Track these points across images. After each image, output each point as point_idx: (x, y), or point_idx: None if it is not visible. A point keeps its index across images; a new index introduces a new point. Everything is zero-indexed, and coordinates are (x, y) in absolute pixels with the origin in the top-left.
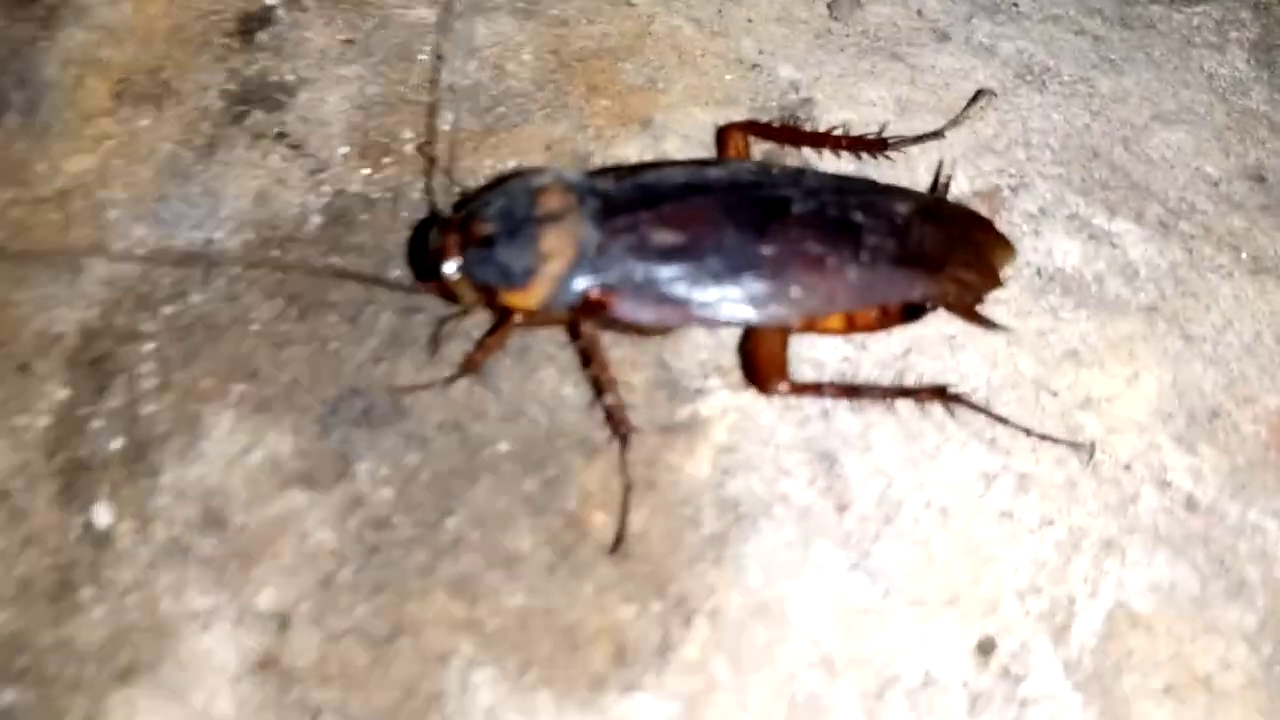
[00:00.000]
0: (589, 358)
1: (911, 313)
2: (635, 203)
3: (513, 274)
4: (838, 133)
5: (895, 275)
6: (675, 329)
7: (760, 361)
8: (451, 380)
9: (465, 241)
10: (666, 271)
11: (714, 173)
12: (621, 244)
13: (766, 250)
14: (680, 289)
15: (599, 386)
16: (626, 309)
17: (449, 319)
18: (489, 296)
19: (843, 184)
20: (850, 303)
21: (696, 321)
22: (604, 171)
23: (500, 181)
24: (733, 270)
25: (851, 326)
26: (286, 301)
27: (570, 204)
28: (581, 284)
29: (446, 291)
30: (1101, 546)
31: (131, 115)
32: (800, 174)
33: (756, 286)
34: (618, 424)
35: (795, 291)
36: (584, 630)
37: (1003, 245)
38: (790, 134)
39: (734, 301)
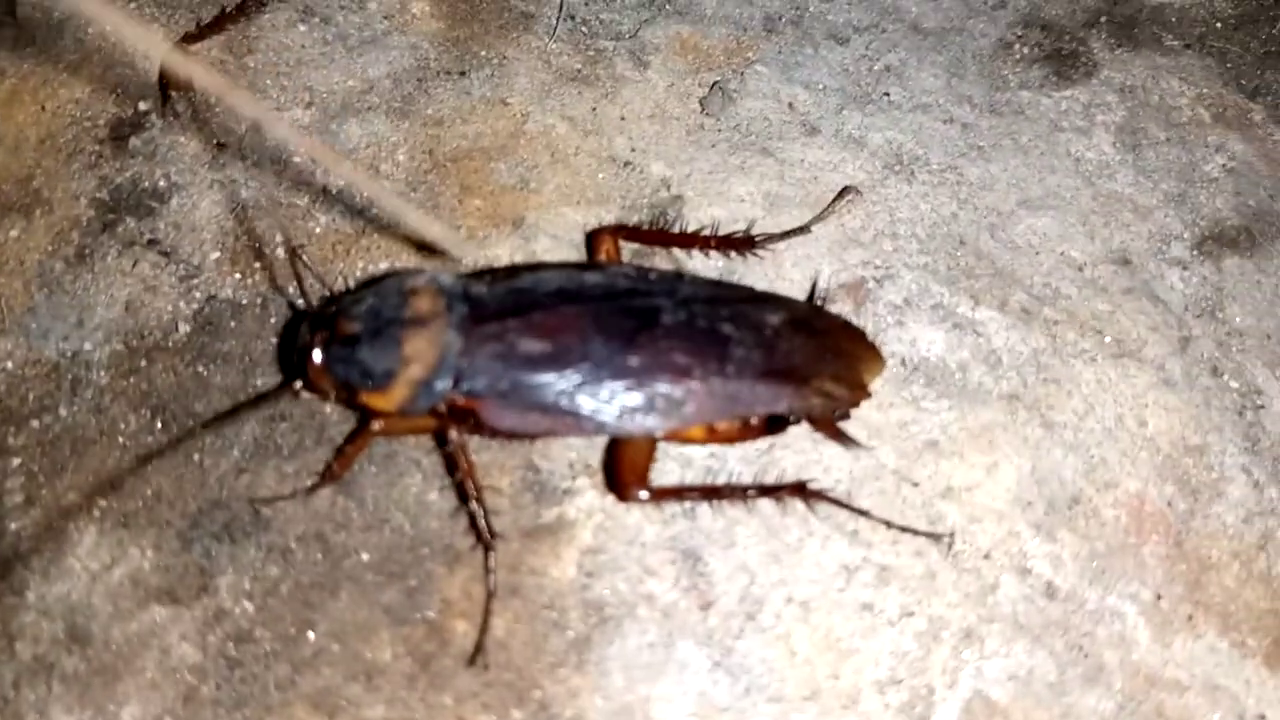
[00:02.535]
0: (454, 464)
1: (775, 424)
2: (506, 310)
3: (373, 374)
4: (706, 233)
5: (760, 388)
6: (542, 436)
7: (622, 469)
8: (313, 490)
9: (330, 338)
10: (533, 379)
11: (590, 278)
12: (489, 351)
13: (634, 360)
14: (547, 397)
15: (463, 493)
16: (493, 415)
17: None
18: (349, 396)
19: (717, 292)
20: (714, 414)
21: (562, 430)
22: (481, 274)
23: (377, 280)
24: (600, 380)
25: (715, 437)
26: (152, 413)
27: (439, 308)
28: (442, 388)
29: (312, 389)
30: (961, 636)
31: (1, 226)
32: (677, 280)
33: (623, 397)
34: (481, 532)
35: (660, 402)
36: None
37: (872, 357)
38: (659, 236)
39: (600, 411)
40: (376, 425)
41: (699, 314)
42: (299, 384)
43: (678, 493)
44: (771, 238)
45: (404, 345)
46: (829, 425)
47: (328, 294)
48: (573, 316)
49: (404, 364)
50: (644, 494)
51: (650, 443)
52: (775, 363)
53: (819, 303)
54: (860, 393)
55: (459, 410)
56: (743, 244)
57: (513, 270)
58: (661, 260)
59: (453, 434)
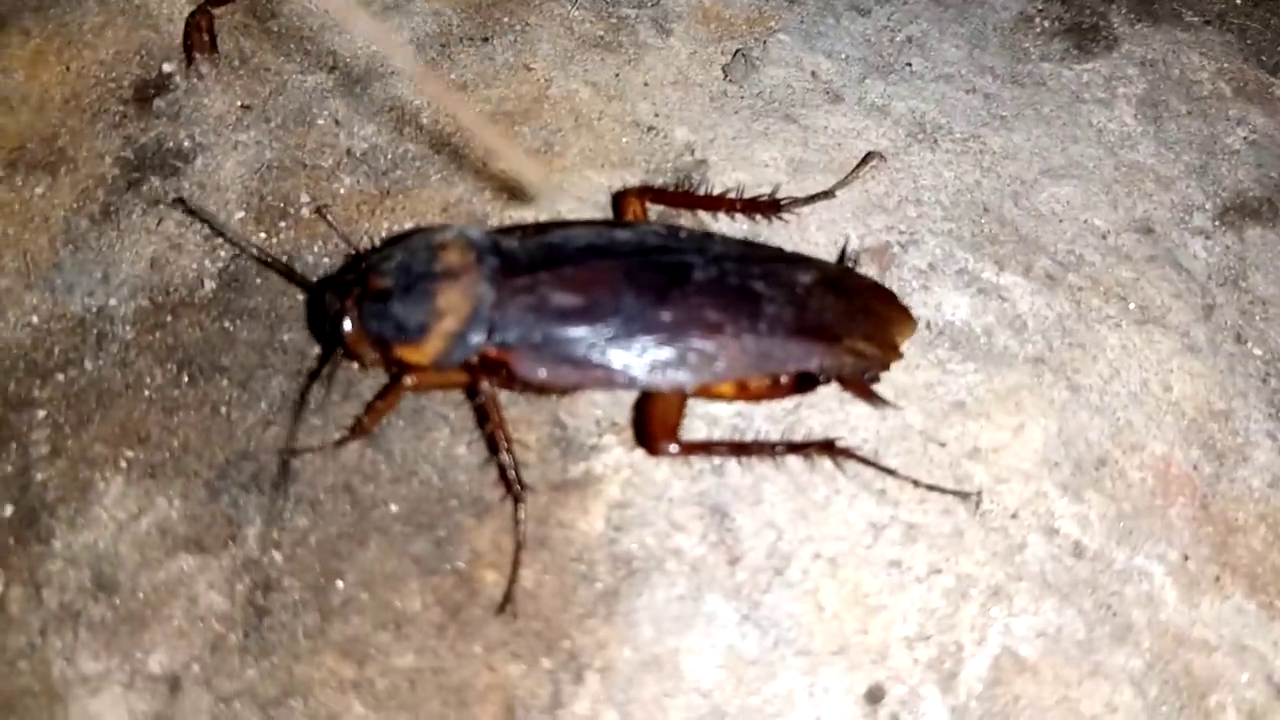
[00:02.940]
0: (485, 415)
1: (805, 382)
2: (537, 263)
3: (407, 329)
4: (731, 195)
5: (792, 345)
6: (573, 390)
7: (652, 423)
8: (342, 444)
9: (362, 294)
10: (565, 332)
11: (621, 235)
12: (521, 303)
13: (665, 316)
14: (579, 350)
15: (493, 445)
16: (525, 368)
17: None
18: (384, 351)
19: (747, 251)
20: (745, 370)
21: (593, 383)
22: (510, 230)
23: (402, 237)
24: (631, 334)
25: (745, 394)
26: (178, 367)
27: (469, 261)
28: (476, 341)
29: (350, 353)
30: (989, 594)
31: (26, 183)
32: (707, 239)
33: (654, 351)
34: (510, 483)
35: (692, 358)
36: (473, 689)
37: (903, 318)
38: (685, 198)
39: (632, 365)
40: (409, 380)
41: (730, 271)
42: (340, 351)
43: (706, 447)
44: (797, 201)
45: (437, 298)
46: (859, 385)
47: (353, 253)
48: (604, 271)
49: (438, 316)
50: (673, 448)
51: (681, 398)
52: (807, 320)
53: (849, 264)
54: (892, 353)
55: (491, 362)
56: (768, 207)
57: (542, 227)
58: (687, 222)
59: (484, 385)
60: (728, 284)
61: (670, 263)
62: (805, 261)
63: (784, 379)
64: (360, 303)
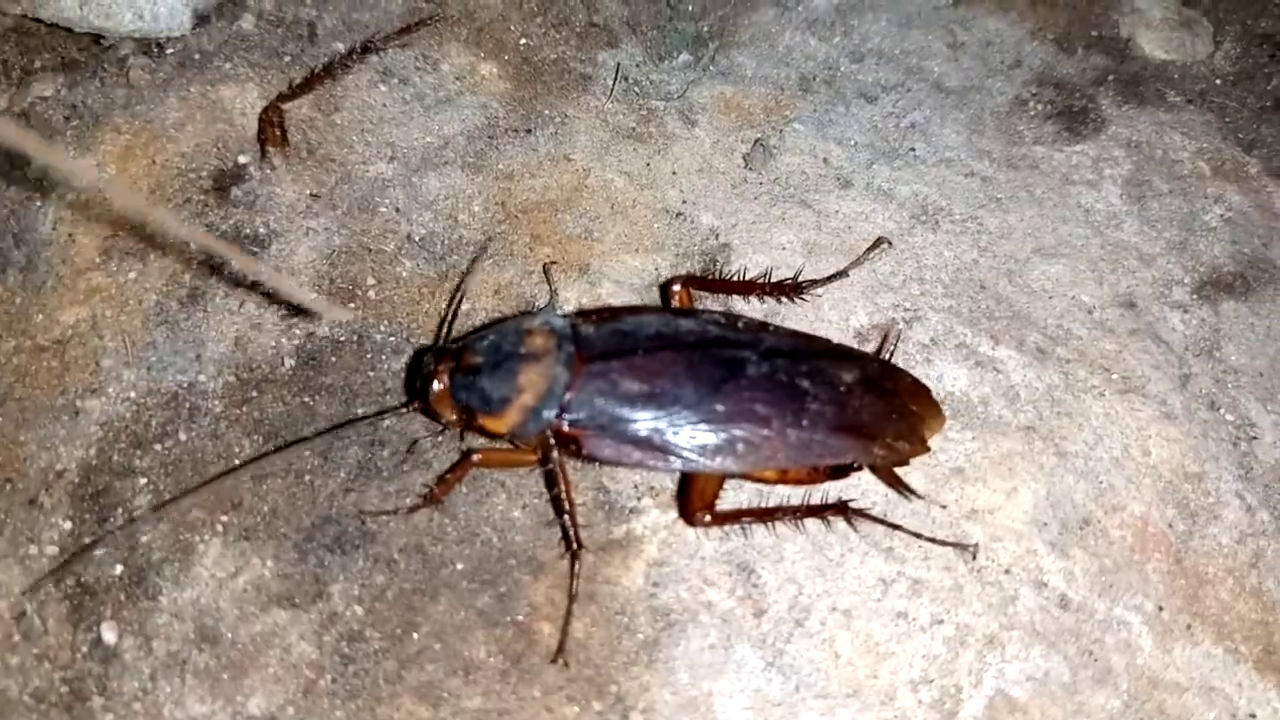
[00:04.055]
0: (553, 481)
1: (839, 471)
2: (610, 351)
3: (490, 401)
4: (761, 280)
5: (831, 441)
6: (634, 467)
7: (693, 497)
8: (414, 510)
9: (455, 368)
10: (631, 415)
11: (685, 324)
12: (593, 387)
13: (719, 407)
14: (641, 432)
15: (559, 507)
16: (593, 445)
17: (425, 437)
18: (468, 418)
19: (797, 344)
20: (787, 461)
21: (651, 463)
22: (589, 313)
23: (499, 321)
24: (690, 422)
25: (784, 479)
26: (264, 438)
27: (550, 346)
28: (548, 416)
29: (430, 412)
30: (985, 642)
31: (120, 268)
32: (762, 330)
33: (708, 438)
34: (570, 541)
35: (739, 447)
36: None
37: (934, 414)
38: (721, 285)
39: (686, 450)
40: (476, 458)
41: (780, 368)
42: (417, 404)
43: (736, 516)
44: (815, 283)
45: (519, 376)
46: (888, 474)
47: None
48: (669, 362)
49: (518, 393)
50: (707, 518)
51: (721, 477)
52: (846, 419)
53: (886, 356)
54: (920, 448)
55: (563, 437)
56: (791, 290)
57: (615, 312)
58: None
59: (554, 455)
60: (777, 380)
61: (727, 357)
62: (850, 358)
63: (821, 468)
64: (453, 375)
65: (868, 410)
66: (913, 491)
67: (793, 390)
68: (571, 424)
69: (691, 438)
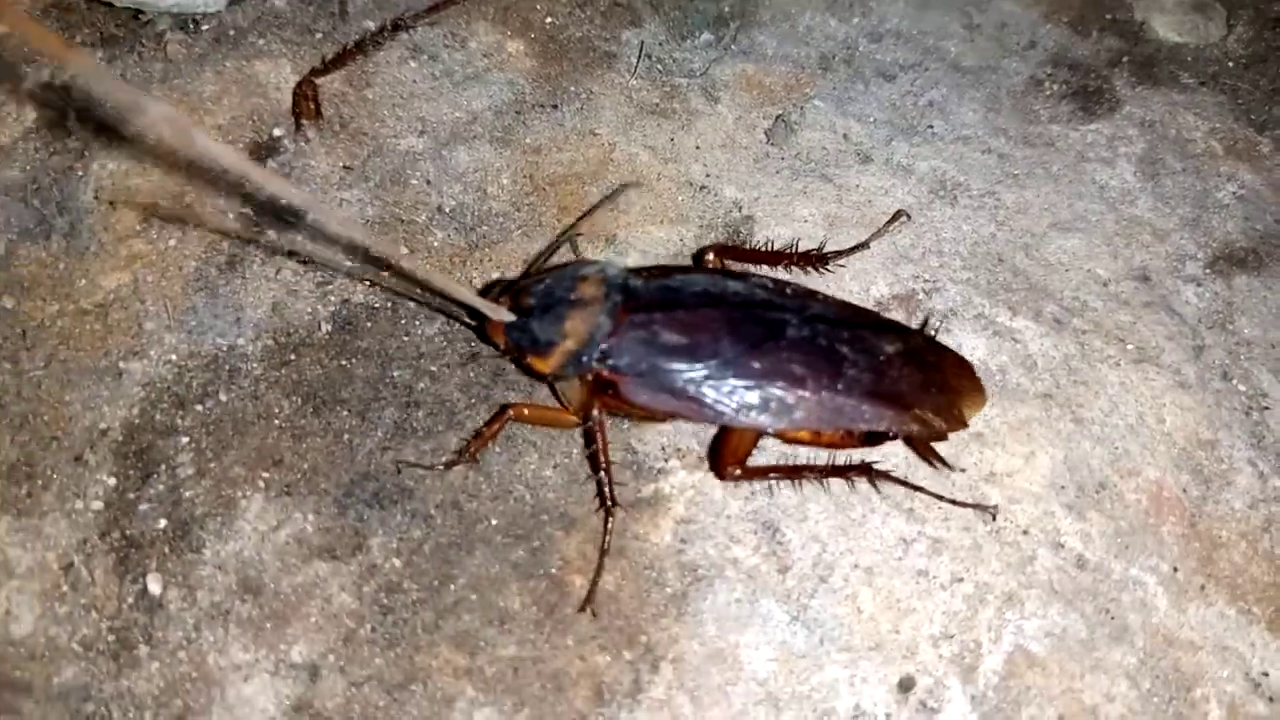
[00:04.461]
0: (592, 438)
1: (873, 438)
2: (655, 303)
3: (538, 343)
4: (789, 250)
5: (865, 407)
6: (669, 417)
7: (725, 451)
8: (450, 465)
9: (512, 309)
10: (669, 365)
11: (734, 285)
12: (635, 336)
13: (756, 364)
14: (678, 382)
15: (595, 464)
16: (630, 391)
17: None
18: (517, 354)
19: (843, 314)
20: (820, 423)
21: (686, 414)
22: (641, 270)
23: (562, 266)
24: (725, 376)
25: (818, 441)
26: (303, 399)
27: (599, 294)
28: (587, 361)
29: (485, 337)
30: (1004, 599)
31: (160, 236)
32: (810, 297)
33: (743, 394)
34: (605, 498)
35: (774, 405)
36: (568, 675)
37: (975, 393)
38: (750, 254)
39: (721, 402)
40: (512, 412)
41: (821, 332)
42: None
43: (764, 472)
44: (840, 254)
45: (565, 322)
46: (923, 445)
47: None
48: (710, 319)
49: (563, 337)
50: (738, 472)
51: (755, 435)
52: (883, 386)
53: (931, 333)
54: (957, 425)
55: (602, 381)
56: (817, 261)
57: (668, 270)
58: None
59: (595, 413)
60: (817, 344)
61: (770, 319)
62: (895, 330)
63: (855, 432)
64: (518, 310)
65: (906, 381)
66: (946, 464)
67: (831, 355)
68: (611, 369)
69: (727, 391)
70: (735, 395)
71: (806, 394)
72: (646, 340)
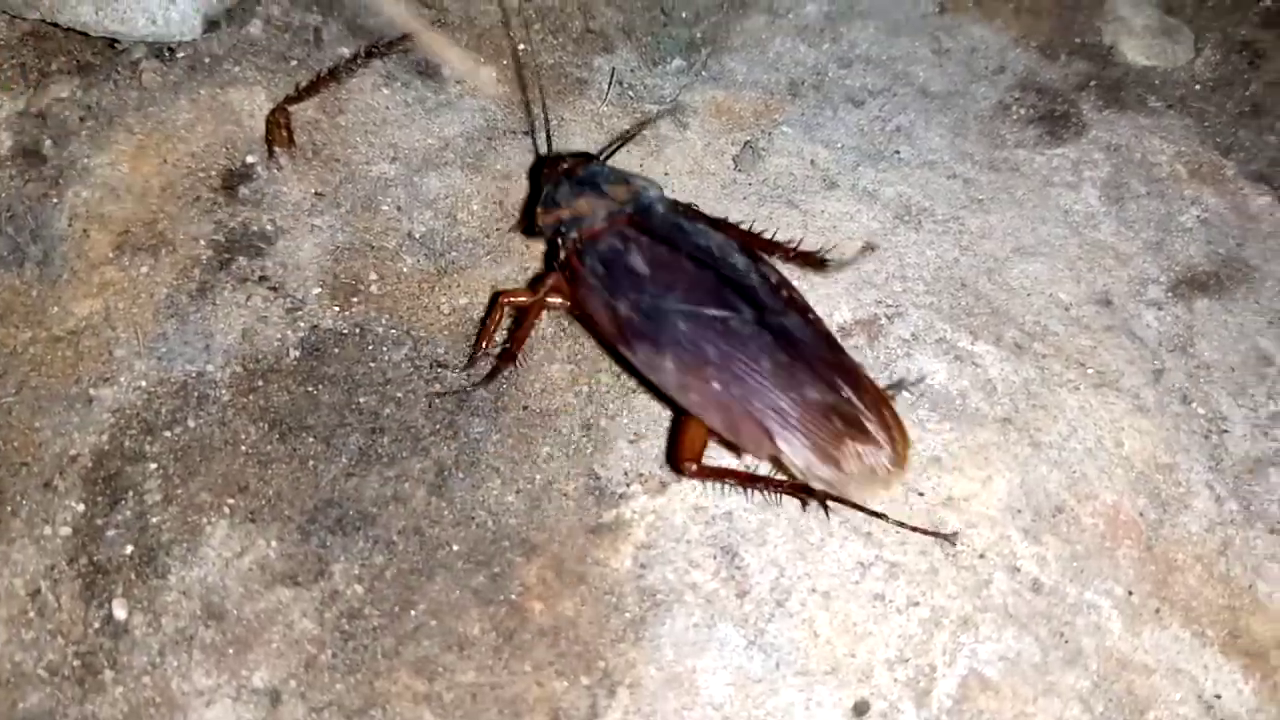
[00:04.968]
0: (524, 317)
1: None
2: (653, 230)
3: (547, 199)
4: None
5: (751, 422)
6: (609, 338)
7: (682, 446)
8: (491, 377)
9: (563, 169)
10: (623, 281)
11: (734, 260)
12: (608, 244)
13: (684, 327)
14: (625, 299)
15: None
16: (584, 287)
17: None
18: (531, 204)
19: (812, 343)
20: (710, 418)
21: (621, 343)
22: (680, 205)
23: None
24: (665, 314)
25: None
26: (270, 425)
27: (621, 198)
28: (566, 233)
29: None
30: (959, 623)
31: (132, 263)
32: (801, 314)
33: (658, 346)
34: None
35: (677, 375)
36: (525, 701)
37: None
38: (757, 241)
39: (655, 344)
40: (502, 299)
41: (766, 344)
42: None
43: (720, 474)
44: (844, 263)
45: (576, 199)
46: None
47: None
48: (683, 271)
49: (561, 207)
50: (694, 468)
51: (707, 431)
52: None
53: (892, 395)
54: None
55: (571, 264)
56: (817, 264)
57: (697, 215)
58: None
59: (549, 281)
60: (751, 346)
61: (730, 301)
62: (824, 380)
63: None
64: (556, 172)
65: (816, 425)
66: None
67: (756, 363)
68: (578, 256)
69: (665, 330)
70: (668, 347)
71: (713, 383)
72: (617, 251)
